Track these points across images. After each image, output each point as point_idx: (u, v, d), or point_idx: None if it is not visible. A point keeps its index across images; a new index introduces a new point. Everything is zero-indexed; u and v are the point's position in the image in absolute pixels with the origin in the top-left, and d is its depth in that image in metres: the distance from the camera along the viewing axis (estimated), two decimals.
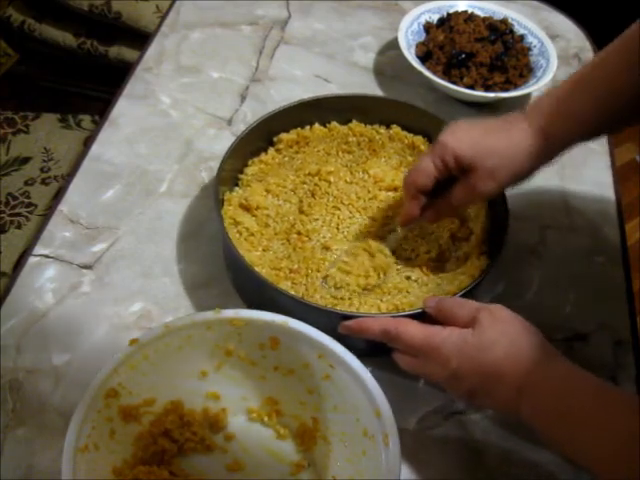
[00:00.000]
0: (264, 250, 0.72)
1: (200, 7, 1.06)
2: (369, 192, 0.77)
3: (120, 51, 1.53)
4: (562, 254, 0.78)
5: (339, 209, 0.76)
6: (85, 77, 1.67)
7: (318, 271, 0.70)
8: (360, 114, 0.81)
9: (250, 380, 0.61)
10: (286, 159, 0.79)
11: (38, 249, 0.74)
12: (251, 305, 0.68)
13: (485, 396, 0.55)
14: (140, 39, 1.38)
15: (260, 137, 0.78)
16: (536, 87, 0.91)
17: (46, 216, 0.78)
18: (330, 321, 0.61)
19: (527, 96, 0.95)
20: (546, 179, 0.86)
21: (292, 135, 0.79)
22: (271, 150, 0.79)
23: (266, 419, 0.61)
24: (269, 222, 0.74)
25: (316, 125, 0.80)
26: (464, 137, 0.64)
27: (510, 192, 0.84)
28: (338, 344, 0.56)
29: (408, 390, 0.66)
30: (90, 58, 1.55)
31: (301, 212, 0.75)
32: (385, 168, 0.79)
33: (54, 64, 1.67)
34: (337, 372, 0.56)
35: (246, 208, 0.74)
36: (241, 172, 0.77)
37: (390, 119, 0.80)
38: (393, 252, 0.72)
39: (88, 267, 0.73)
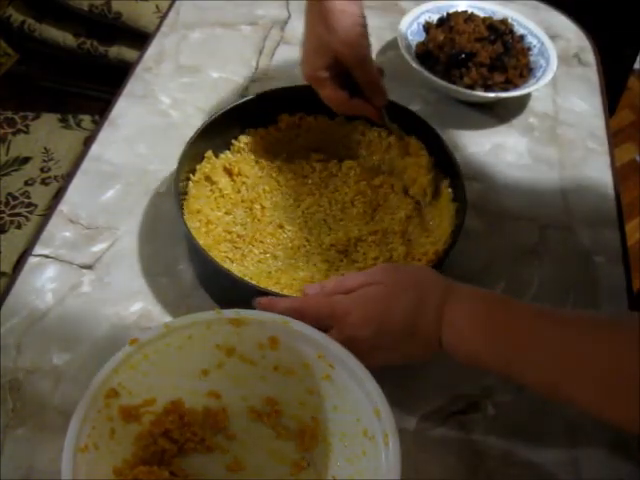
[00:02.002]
0: (226, 213, 0.75)
1: (200, 7, 1.06)
2: (349, 188, 0.78)
3: (120, 51, 1.53)
4: (562, 254, 0.78)
5: (312, 194, 0.78)
6: (85, 77, 1.67)
7: (262, 242, 0.72)
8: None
9: (250, 380, 0.60)
10: (285, 139, 0.81)
11: (38, 249, 0.74)
12: (199, 277, 0.72)
13: (413, 329, 0.56)
14: (140, 39, 1.38)
15: (263, 111, 0.79)
16: (536, 87, 0.91)
17: (46, 216, 0.78)
18: (247, 294, 0.62)
19: (527, 96, 0.95)
20: (546, 179, 0.86)
21: (294, 118, 0.80)
22: (272, 127, 0.80)
23: (266, 419, 0.60)
24: (242, 189, 0.77)
25: (323, 115, 0.80)
26: (310, 58, 0.71)
27: (510, 192, 0.84)
28: (338, 344, 0.56)
29: (408, 390, 0.66)
30: (90, 58, 1.55)
31: (277, 187, 0.78)
32: (375, 171, 0.80)
33: (54, 64, 1.67)
34: (337, 372, 0.56)
35: (228, 172, 0.77)
36: (236, 138, 0.79)
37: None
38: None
39: (88, 267, 0.73)
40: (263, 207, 0.76)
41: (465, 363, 0.56)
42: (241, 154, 0.79)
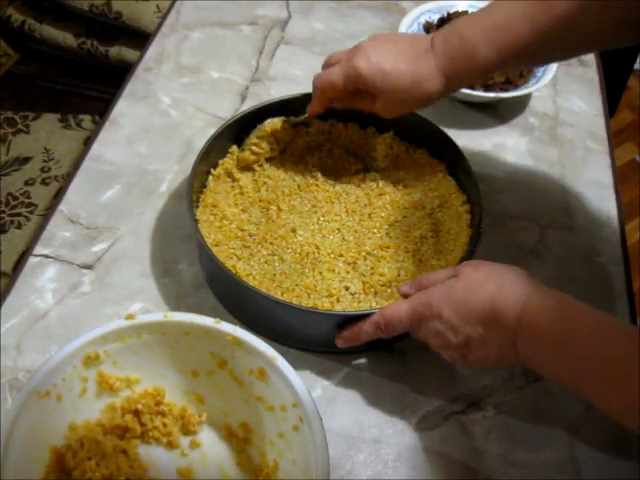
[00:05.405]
0: (243, 210, 0.75)
1: (200, 7, 1.06)
2: (369, 200, 0.76)
3: (120, 51, 1.53)
4: (562, 254, 0.78)
5: (332, 203, 0.76)
6: (85, 77, 1.68)
7: (271, 244, 0.71)
8: (399, 128, 0.80)
9: (235, 399, 0.59)
10: (314, 144, 0.81)
11: (38, 249, 0.74)
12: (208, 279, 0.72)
13: (480, 344, 0.54)
14: (140, 39, 1.38)
15: (294, 114, 0.78)
16: (536, 87, 0.91)
17: (46, 216, 0.78)
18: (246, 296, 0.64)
19: (527, 96, 0.95)
20: (546, 179, 0.86)
21: (326, 124, 0.80)
22: (302, 130, 0.80)
23: (235, 442, 0.59)
24: (262, 189, 0.77)
25: (354, 123, 0.80)
26: (377, 66, 0.66)
27: (510, 192, 0.84)
28: (311, 399, 0.54)
29: (408, 390, 0.66)
30: (90, 58, 1.56)
31: (297, 191, 0.77)
32: (399, 186, 0.78)
33: (54, 64, 1.67)
34: (304, 427, 0.54)
35: (252, 170, 0.78)
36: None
37: (420, 139, 0.80)
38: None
39: (88, 267, 0.73)
40: (280, 209, 0.74)
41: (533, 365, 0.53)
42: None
